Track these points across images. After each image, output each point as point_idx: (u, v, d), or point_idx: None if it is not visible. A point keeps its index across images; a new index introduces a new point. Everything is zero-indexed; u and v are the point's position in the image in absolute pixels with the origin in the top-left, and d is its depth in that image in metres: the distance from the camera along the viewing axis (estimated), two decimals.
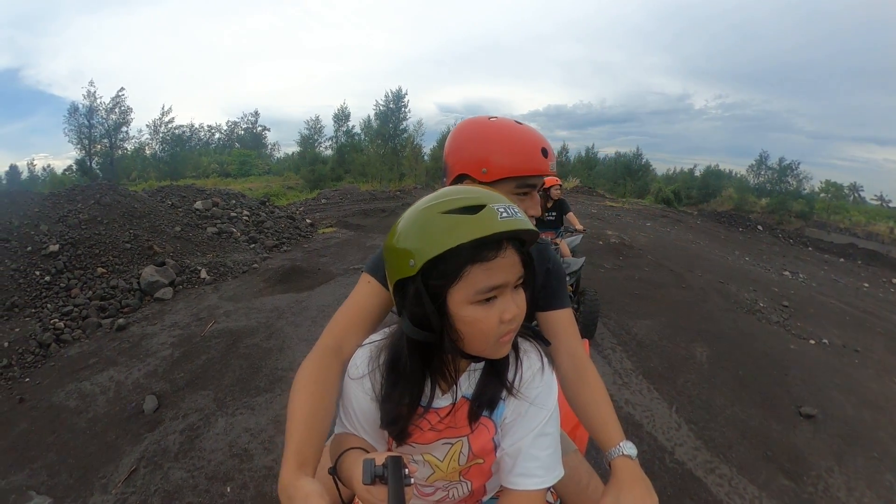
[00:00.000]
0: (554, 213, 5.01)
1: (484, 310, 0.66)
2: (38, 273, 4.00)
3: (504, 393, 0.79)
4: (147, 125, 32.50)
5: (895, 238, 18.40)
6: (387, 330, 0.82)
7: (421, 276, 0.65)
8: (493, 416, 0.80)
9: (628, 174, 29.56)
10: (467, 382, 0.78)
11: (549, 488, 0.80)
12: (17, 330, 3.37)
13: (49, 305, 3.77)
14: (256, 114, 38.42)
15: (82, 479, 2.13)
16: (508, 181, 0.98)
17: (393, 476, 0.57)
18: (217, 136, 37.63)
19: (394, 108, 25.99)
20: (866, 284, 12.30)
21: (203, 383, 2.87)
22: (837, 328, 6.71)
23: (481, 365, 0.78)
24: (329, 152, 28.92)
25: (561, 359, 1.02)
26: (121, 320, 3.69)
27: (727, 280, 8.15)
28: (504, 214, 0.64)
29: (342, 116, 29.61)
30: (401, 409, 0.74)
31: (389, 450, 0.81)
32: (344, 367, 0.83)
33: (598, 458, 1.79)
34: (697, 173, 29.25)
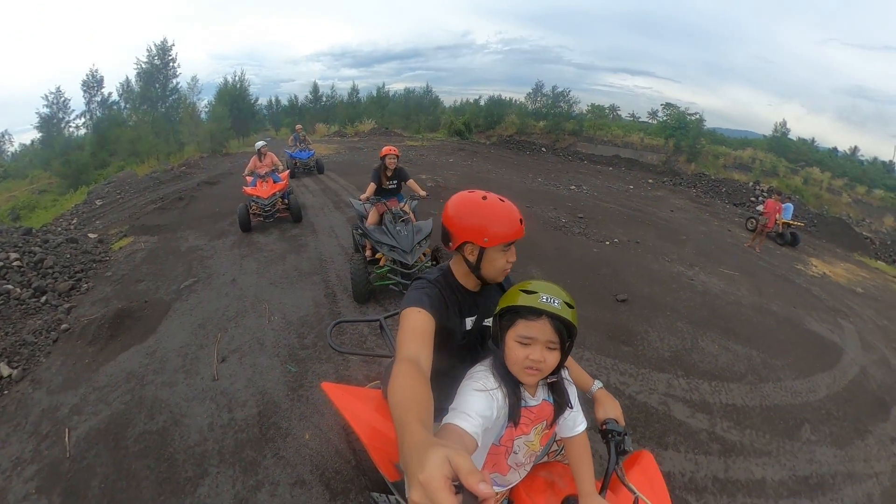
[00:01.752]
0: (394, 182, 5.16)
1: (519, 347, 1.15)
2: None
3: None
4: None
5: (645, 146, 24.48)
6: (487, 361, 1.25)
7: (500, 315, 1.19)
8: (558, 418, 1.33)
9: (420, 110, 30.64)
10: (544, 390, 1.28)
11: None
12: None
13: None
14: None
15: None
16: (499, 245, 1.32)
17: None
18: None
19: (159, 63, 21.13)
20: (631, 187, 16.16)
21: None
22: (621, 227, 8.86)
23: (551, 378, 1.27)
24: (84, 132, 22.12)
25: None
26: None
27: (532, 204, 9.70)
28: (543, 300, 1.13)
29: (93, 83, 22.38)
30: (514, 402, 1.19)
31: (508, 448, 1.26)
32: (425, 374, 1.07)
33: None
34: (482, 103, 31.56)
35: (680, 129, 23.94)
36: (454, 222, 1.34)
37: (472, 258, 1.35)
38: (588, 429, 1.39)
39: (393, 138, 23.35)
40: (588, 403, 1.46)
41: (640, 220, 9.98)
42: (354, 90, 36.82)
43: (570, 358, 1.48)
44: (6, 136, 27.74)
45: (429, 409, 0.90)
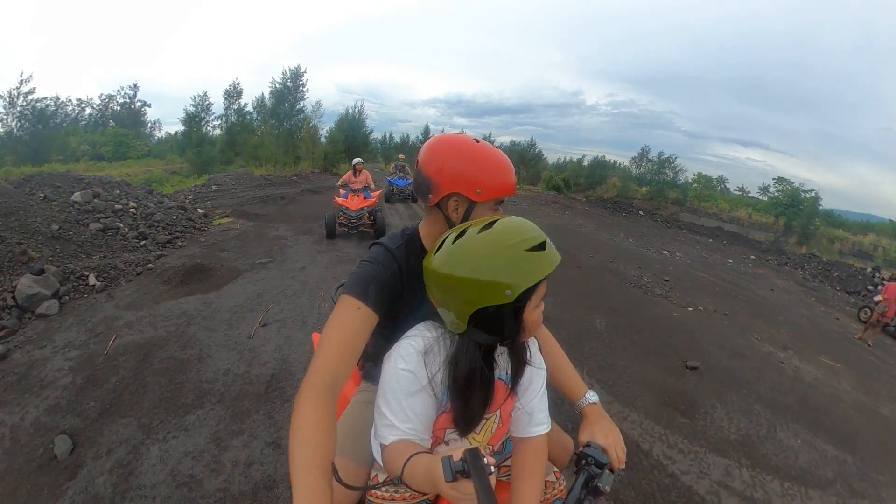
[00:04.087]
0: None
1: (538, 309, 0.87)
2: None
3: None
4: (0, 96, 23.61)
5: (753, 222, 22.46)
6: (423, 329, 0.93)
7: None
8: (516, 390, 0.98)
9: (522, 162, 31.05)
10: (503, 359, 0.96)
11: None
12: None
13: None
14: (135, 87, 32.22)
15: None
16: (492, 200, 1.06)
17: (475, 468, 0.60)
18: (88, 111, 30.88)
19: (291, 86, 23.90)
20: (730, 260, 14.79)
21: (121, 410, 2.48)
22: (709, 297, 7.99)
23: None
24: (218, 132, 25.78)
25: None
26: None
27: (615, 259, 9.16)
28: (554, 247, 0.85)
29: (234, 93, 26.47)
30: (476, 411, 0.90)
31: (439, 438, 0.96)
32: (336, 401, 0.87)
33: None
34: (585, 163, 31.43)
35: (792, 206, 21.89)
36: (440, 168, 1.05)
37: (457, 216, 1.07)
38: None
39: None
40: (574, 421, 1.18)
41: (733, 294, 8.96)
42: None
43: (563, 356, 1.20)
44: (157, 124, 33.32)
45: (330, 455, 0.78)
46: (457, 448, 0.65)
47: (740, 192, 27.54)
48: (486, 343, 0.86)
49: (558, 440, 1.22)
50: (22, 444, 2.18)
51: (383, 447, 0.86)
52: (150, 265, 4.90)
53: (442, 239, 0.87)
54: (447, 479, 0.61)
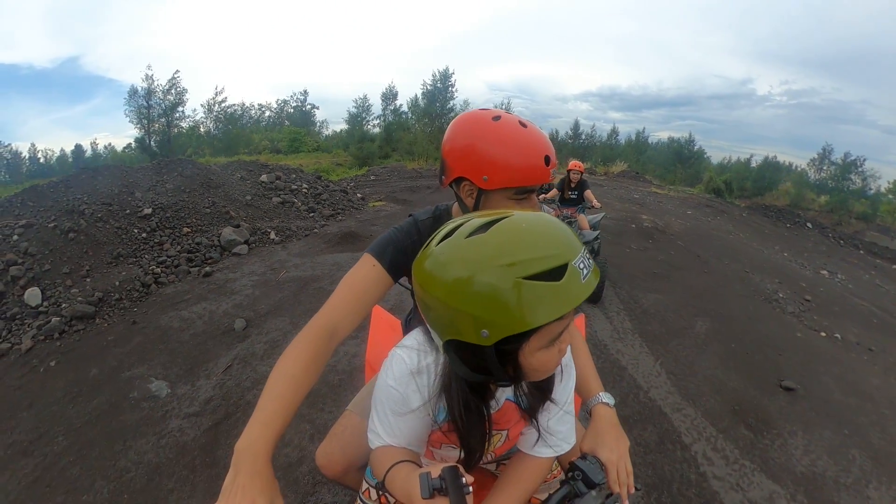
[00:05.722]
0: (576, 192, 5.75)
1: (550, 351, 0.66)
2: (136, 231, 4.90)
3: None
4: (201, 105, 34.54)
5: None
6: (419, 341, 0.80)
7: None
8: (534, 416, 0.84)
9: (679, 161, 28.06)
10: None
11: None
12: (124, 273, 4.26)
13: (146, 256, 4.64)
14: (305, 93, 38.29)
15: (190, 371, 2.90)
16: (508, 189, 0.93)
17: (453, 487, 0.58)
18: (267, 114, 38.33)
19: (441, 87, 25.84)
20: None
21: (280, 312, 3.71)
22: (858, 327, 6.36)
23: None
24: (377, 130, 29.26)
25: None
26: (206, 269, 4.55)
27: (753, 270, 8.08)
28: (585, 272, 0.60)
29: (390, 95, 30.07)
30: (475, 448, 0.78)
31: (430, 451, 0.91)
32: (334, 346, 0.92)
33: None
34: (754, 164, 27.14)
35: None
36: (450, 147, 0.97)
37: (470, 203, 0.97)
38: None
39: (640, 183, 22.41)
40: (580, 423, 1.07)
41: (894, 330, 7.20)
42: (614, 132, 37.25)
43: (586, 353, 1.03)
44: (325, 124, 39.19)
45: (301, 390, 0.81)
46: (436, 465, 0.62)
47: None
48: (468, 379, 0.69)
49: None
50: (215, 321, 3.53)
51: (371, 448, 0.82)
52: (315, 230, 6.40)
53: (434, 235, 0.68)
54: (424, 496, 0.58)
